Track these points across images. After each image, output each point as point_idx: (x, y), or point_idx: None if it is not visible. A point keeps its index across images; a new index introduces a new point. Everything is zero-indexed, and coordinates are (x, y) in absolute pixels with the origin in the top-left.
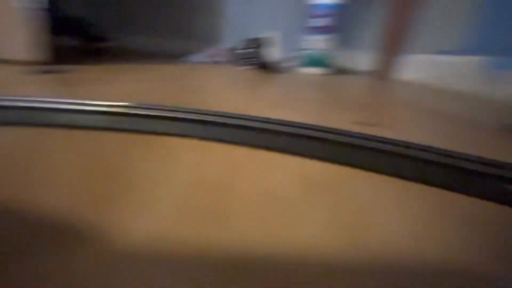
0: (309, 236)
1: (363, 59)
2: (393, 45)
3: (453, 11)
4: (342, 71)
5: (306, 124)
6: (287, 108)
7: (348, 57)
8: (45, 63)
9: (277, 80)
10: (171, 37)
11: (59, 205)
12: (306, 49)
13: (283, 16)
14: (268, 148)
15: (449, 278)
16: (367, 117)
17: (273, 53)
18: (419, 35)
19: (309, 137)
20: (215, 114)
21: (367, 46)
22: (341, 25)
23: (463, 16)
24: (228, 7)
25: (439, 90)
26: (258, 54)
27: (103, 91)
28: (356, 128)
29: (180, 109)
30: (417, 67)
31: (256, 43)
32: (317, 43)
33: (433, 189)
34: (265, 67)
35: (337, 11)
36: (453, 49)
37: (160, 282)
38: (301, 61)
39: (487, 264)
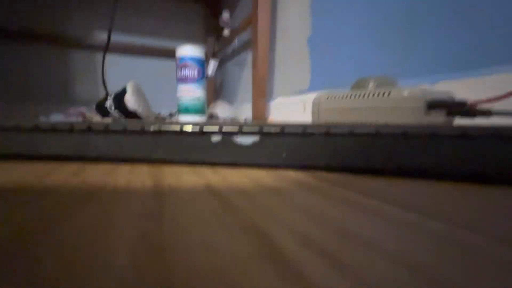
0: None
1: (243, 108)
2: (260, 93)
3: (297, 62)
4: (218, 117)
5: None
6: None
7: (230, 108)
8: None
9: None
10: (25, 101)
11: None
12: (179, 99)
13: (161, 71)
14: None
15: None
16: None
17: (134, 101)
18: (278, 82)
19: None
20: None
21: (245, 98)
22: (217, 78)
23: (304, 64)
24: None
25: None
26: (118, 105)
27: None
28: None
29: None
30: (279, 107)
31: (116, 94)
32: (187, 92)
33: None
34: (131, 116)
35: (200, 63)
36: (303, 89)
37: None
38: (178, 109)
39: None
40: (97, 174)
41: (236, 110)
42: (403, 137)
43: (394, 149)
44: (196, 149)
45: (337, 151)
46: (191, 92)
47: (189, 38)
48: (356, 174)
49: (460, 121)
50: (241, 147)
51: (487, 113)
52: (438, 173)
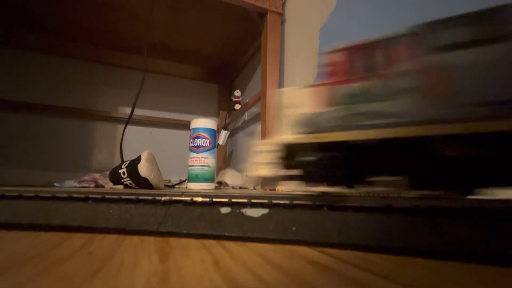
0: None
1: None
2: None
3: None
4: (227, 185)
5: None
6: None
7: (239, 176)
8: None
9: None
10: (39, 168)
11: None
12: (191, 166)
13: (174, 141)
14: None
15: None
16: None
17: (146, 169)
18: None
19: None
20: None
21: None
22: (226, 147)
23: None
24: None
25: None
26: (131, 172)
27: None
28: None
29: None
30: None
31: (131, 162)
32: (198, 160)
33: None
34: (141, 182)
35: (212, 133)
36: None
37: None
38: (188, 177)
39: None
40: (105, 246)
41: (245, 178)
42: (414, 212)
43: (406, 226)
44: (205, 220)
45: (347, 226)
46: (202, 161)
47: (204, 113)
48: (368, 252)
49: None
50: (250, 219)
51: None
52: (455, 252)
